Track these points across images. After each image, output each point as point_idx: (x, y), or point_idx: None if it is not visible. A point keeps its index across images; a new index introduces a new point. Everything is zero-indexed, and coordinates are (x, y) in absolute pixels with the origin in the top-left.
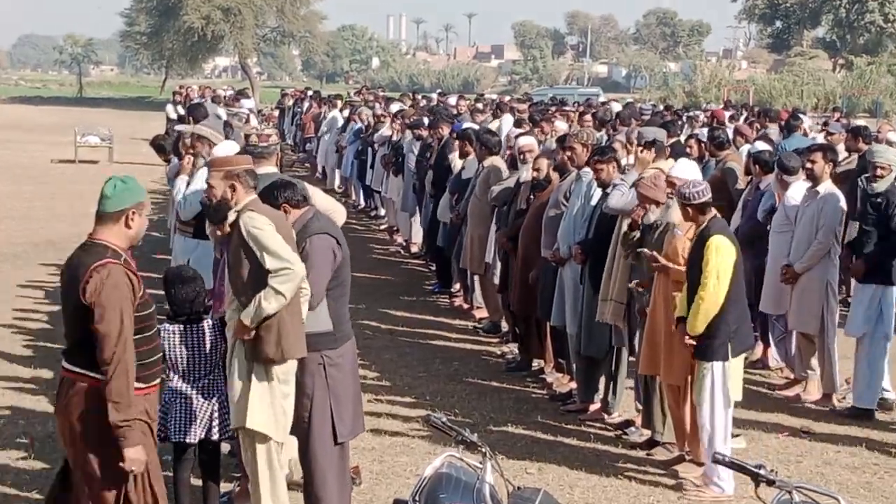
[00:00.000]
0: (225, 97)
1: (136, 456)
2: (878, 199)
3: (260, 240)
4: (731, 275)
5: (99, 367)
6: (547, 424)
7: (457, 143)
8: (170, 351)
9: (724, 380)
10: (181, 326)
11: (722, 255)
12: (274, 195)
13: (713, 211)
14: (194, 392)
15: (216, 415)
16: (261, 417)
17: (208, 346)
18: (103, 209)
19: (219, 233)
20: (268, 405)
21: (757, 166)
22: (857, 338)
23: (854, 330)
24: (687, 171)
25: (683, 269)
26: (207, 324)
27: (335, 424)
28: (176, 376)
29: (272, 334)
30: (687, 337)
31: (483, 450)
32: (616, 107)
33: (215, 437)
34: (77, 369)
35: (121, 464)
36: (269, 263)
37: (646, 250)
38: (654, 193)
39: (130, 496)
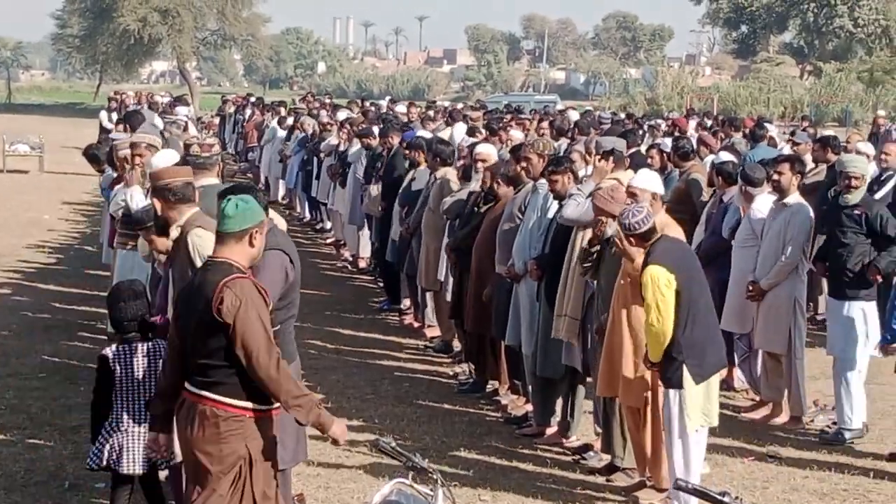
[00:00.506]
0: (162, 104)
1: (339, 429)
2: (857, 212)
3: None
4: (672, 303)
5: (233, 392)
6: (501, 449)
7: (406, 152)
8: (120, 373)
9: (681, 406)
10: (127, 346)
11: (657, 287)
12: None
13: (658, 233)
14: (140, 418)
15: None
16: None
17: (158, 367)
18: (226, 229)
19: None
20: None
21: (720, 178)
22: (838, 357)
23: (848, 351)
24: (648, 181)
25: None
26: (151, 345)
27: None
28: (123, 400)
29: None
30: (648, 363)
31: (434, 476)
32: (574, 115)
33: (161, 466)
34: (199, 391)
35: (332, 441)
36: None
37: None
38: (610, 206)
39: None
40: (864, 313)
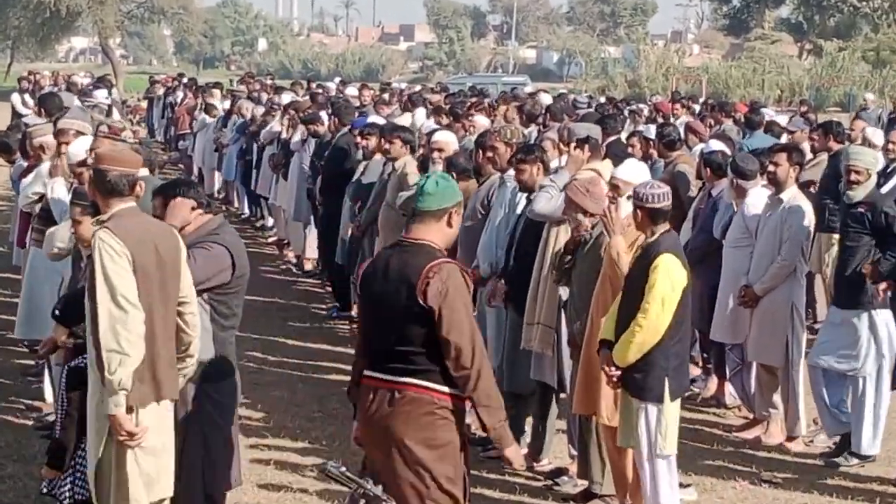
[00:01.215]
0: (82, 85)
1: (516, 455)
2: (860, 209)
3: (106, 272)
4: (677, 303)
5: (441, 378)
6: None
7: (359, 139)
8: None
9: (659, 423)
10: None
11: (670, 280)
12: (177, 193)
13: (667, 225)
14: None
15: None
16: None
17: None
18: (425, 206)
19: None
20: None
21: (708, 170)
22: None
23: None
24: (634, 173)
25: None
26: None
27: (205, 473)
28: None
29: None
30: (612, 367)
31: None
32: (546, 98)
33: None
34: (400, 378)
35: (505, 463)
36: (102, 303)
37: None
38: (583, 201)
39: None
40: (873, 323)
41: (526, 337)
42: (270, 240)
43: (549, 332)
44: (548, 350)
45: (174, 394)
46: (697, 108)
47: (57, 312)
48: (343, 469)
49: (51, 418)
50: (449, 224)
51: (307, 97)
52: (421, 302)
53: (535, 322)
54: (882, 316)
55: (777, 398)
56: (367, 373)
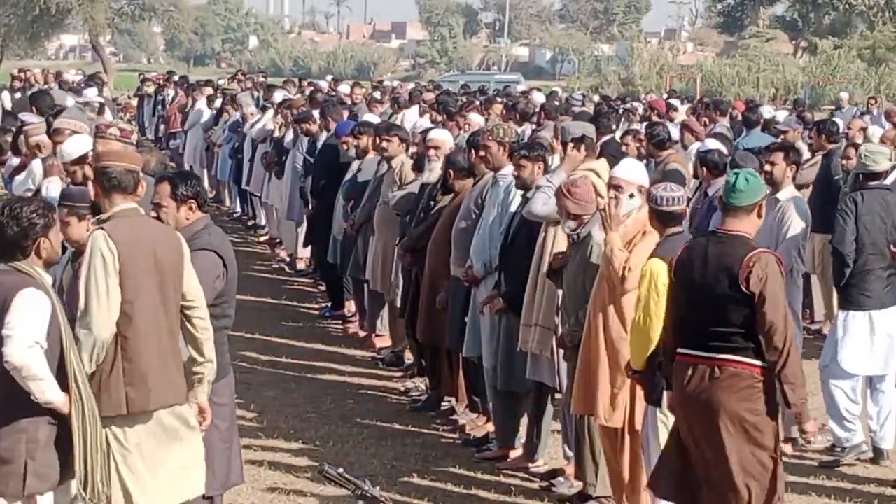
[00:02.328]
0: (74, 83)
1: (813, 428)
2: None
3: (90, 275)
4: (663, 307)
5: (757, 354)
6: (459, 475)
7: (349, 140)
8: None
9: (655, 427)
10: None
11: (654, 283)
12: (186, 185)
13: (679, 227)
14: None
15: None
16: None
17: None
18: (737, 202)
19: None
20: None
21: (704, 168)
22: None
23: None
24: (633, 172)
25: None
26: None
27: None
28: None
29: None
30: (629, 371)
31: None
32: (539, 97)
33: None
34: (716, 355)
35: (803, 435)
36: (84, 301)
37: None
38: (566, 203)
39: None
40: (864, 322)
41: (523, 338)
42: (262, 239)
43: (547, 334)
44: (546, 351)
45: (181, 398)
46: (687, 105)
47: None
48: (340, 470)
49: None
50: (759, 215)
51: (299, 95)
52: (743, 288)
53: (532, 324)
54: (854, 319)
55: None
56: (683, 350)
